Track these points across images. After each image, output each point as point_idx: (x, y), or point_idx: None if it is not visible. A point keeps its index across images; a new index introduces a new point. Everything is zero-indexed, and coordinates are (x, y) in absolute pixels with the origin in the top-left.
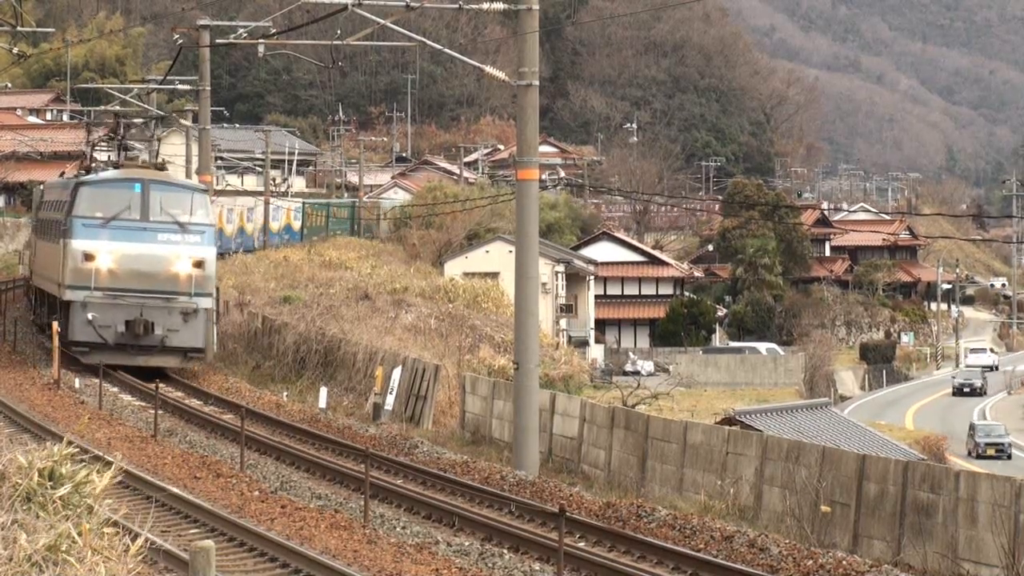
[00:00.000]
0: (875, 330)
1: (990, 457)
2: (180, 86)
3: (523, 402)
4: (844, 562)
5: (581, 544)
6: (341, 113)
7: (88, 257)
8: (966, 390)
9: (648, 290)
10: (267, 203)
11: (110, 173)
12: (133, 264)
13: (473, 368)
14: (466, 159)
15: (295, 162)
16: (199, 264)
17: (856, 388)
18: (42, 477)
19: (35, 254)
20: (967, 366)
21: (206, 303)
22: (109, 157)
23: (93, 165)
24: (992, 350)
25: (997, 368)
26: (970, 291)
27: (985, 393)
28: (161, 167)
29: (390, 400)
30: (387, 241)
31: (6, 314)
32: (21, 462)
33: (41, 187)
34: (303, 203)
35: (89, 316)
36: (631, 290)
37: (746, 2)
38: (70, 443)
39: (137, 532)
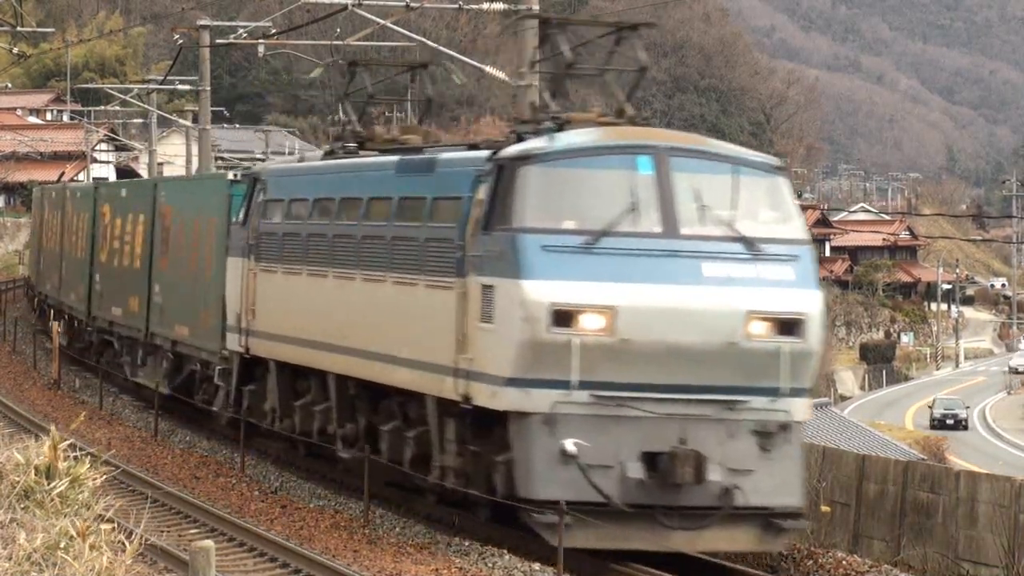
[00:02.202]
0: (875, 330)
1: None
2: (180, 86)
3: None
4: (844, 562)
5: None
6: (341, 113)
7: (563, 318)
8: (948, 422)
9: None
10: None
11: (578, 136)
12: (658, 331)
13: None
14: None
15: None
16: (791, 326)
17: (856, 388)
18: (38, 474)
19: (250, 291)
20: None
21: (802, 409)
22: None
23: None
24: None
25: None
26: (970, 291)
27: (967, 427)
28: (630, 119)
29: None
30: None
31: (6, 314)
32: (18, 459)
33: (250, 170)
34: None
35: (568, 446)
36: None
37: (746, 2)
38: (63, 438)
39: (137, 532)
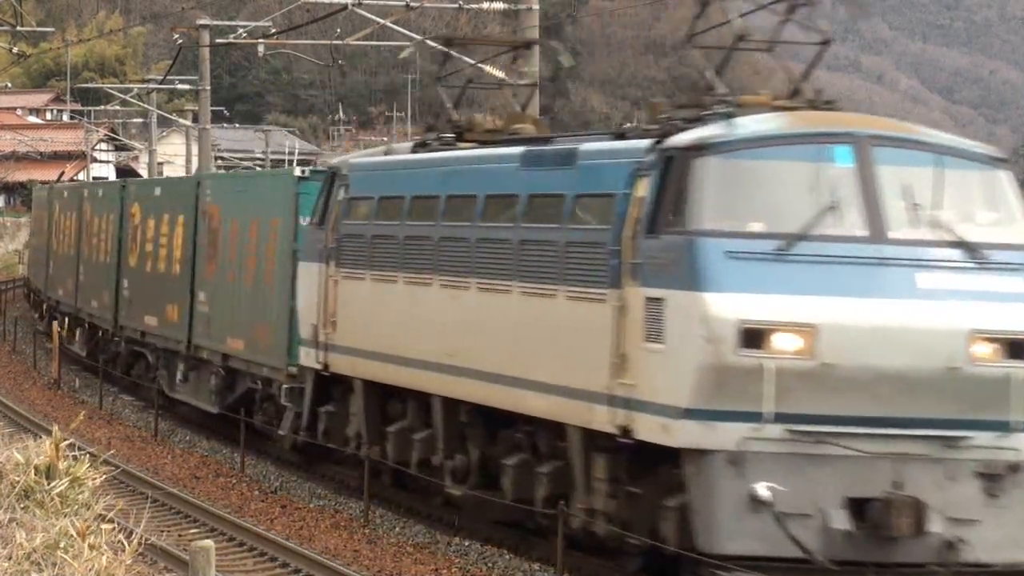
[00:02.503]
0: None
1: None
2: (180, 86)
3: None
4: None
5: None
6: (341, 113)
7: (754, 338)
8: None
9: None
10: None
11: (762, 122)
12: (865, 353)
13: None
14: None
15: (295, 162)
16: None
17: None
18: (38, 474)
19: (330, 301)
20: None
21: None
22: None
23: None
24: None
25: None
26: None
27: None
28: (810, 102)
29: None
30: None
31: (6, 314)
32: (18, 459)
33: (328, 164)
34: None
35: (760, 490)
36: None
37: (746, 2)
38: (64, 437)
39: (137, 532)
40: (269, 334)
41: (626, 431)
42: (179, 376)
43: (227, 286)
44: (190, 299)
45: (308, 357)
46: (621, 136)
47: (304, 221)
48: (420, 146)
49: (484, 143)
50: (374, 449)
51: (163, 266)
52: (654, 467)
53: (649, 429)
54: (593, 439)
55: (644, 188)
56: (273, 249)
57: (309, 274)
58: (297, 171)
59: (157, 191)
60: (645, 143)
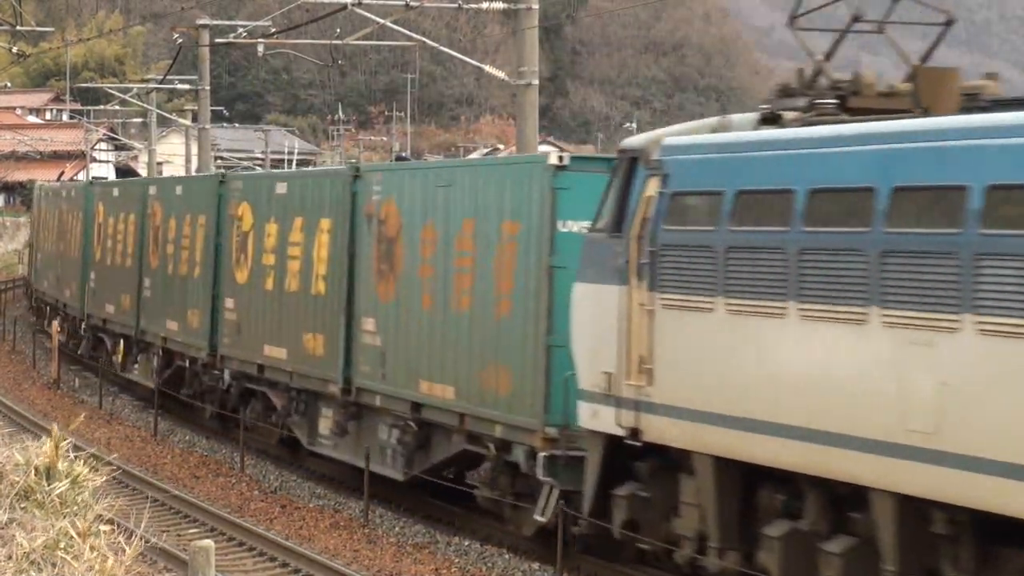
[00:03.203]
0: None
1: None
2: (180, 86)
3: None
4: None
5: None
6: (341, 112)
7: None
8: None
9: None
10: None
11: None
12: None
13: None
14: (466, 158)
15: (295, 162)
16: None
17: None
18: (38, 475)
19: (641, 338)
20: None
21: None
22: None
23: None
24: None
25: None
26: None
27: None
28: None
29: None
30: None
31: (6, 314)
32: (18, 459)
33: (631, 148)
34: None
35: None
36: None
37: (746, 2)
38: (64, 437)
39: (138, 533)
40: (508, 380)
41: None
42: (329, 427)
43: (418, 312)
44: (346, 327)
45: (598, 418)
46: None
47: (563, 226)
48: (770, 120)
49: (889, 112)
50: (730, 555)
51: (295, 283)
52: None
53: None
54: None
55: None
56: (508, 264)
57: (597, 300)
58: (554, 157)
59: (281, 188)
60: None
